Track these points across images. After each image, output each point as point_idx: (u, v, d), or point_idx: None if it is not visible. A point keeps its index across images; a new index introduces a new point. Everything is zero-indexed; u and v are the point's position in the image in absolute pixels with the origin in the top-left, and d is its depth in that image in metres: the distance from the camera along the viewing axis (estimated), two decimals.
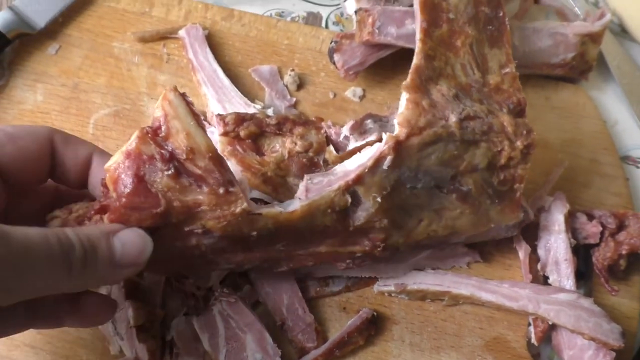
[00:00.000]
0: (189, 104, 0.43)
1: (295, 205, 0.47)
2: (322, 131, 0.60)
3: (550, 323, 0.57)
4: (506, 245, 0.62)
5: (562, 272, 0.59)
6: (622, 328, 0.55)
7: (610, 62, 0.73)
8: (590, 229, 0.60)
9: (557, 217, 0.59)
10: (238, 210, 0.44)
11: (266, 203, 0.57)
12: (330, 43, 0.66)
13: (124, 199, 0.41)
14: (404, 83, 0.50)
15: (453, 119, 0.50)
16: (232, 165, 0.57)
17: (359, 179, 0.48)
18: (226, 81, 0.65)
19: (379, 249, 0.51)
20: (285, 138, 0.59)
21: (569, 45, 0.66)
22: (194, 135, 0.42)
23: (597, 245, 0.60)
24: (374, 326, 0.57)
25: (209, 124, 0.63)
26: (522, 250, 0.60)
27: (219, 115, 0.58)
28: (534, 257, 0.60)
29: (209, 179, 0.43)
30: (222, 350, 0.53)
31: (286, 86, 0.68)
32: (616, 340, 0.54)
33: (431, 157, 0.50)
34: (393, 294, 0.60)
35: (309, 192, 0.49)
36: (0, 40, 0.65)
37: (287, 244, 0.50)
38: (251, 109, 0.63)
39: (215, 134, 0.61)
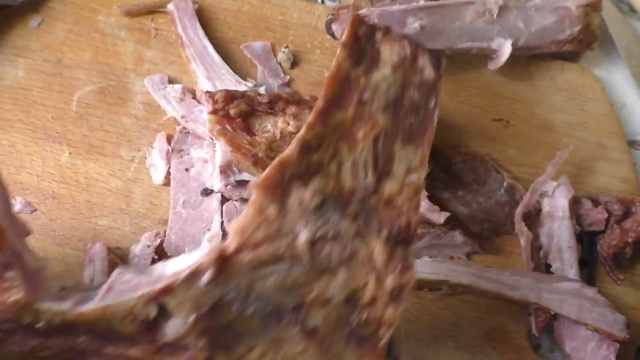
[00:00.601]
0: None
1: (87, 307, 0.40)
2: None
3: (552, 313, 0.54)
4: (507, 233, 0.60)
5: (565, 260, 0.56)
6: (626, 319, 0.53)
7: (619, 43, 0.70)
8: (596, 216, 0.57)
9: (562, 203, 0.57)
10: (11, 300, 0.38)
11: None
12: (327, 17, 0.63)
13: None
14: (253, 181, 0.39)
15: (303, 237, 0.39)
16: (221, 145, 0.55)
17: (167, 290, 0.39)
18: (217, 58, 0.62)
19: None
20: (277, 117, 0.57)
21: (574, 18, 0.63)
22: None
23: (603, 232, 0.58)
24: None
25: (199, 102, 0.61)
26: (524, 237, 0.57)
27: (207, 92, 0.55)
28: (536, 245, 0.58)
29: None
30: None
31: (280, 64, 0.65)
32: (621, 331, 0.53)
33: (268, 279, 0.40)
34: None
35: (111, 291, 0.41)
36: None
37: (90, 340, 0.41)
38: (242, 86, 0.61)
39: (204, 112, 0.59)
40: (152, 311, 0.39)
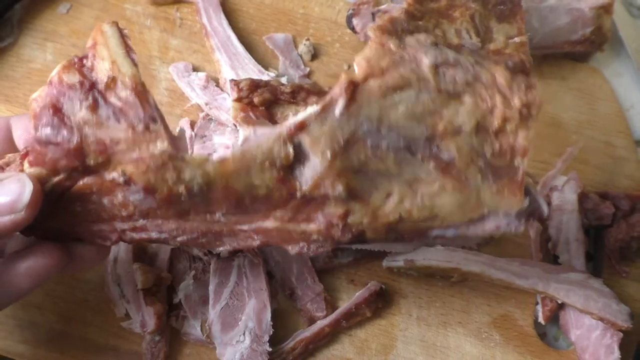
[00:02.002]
0: (123, 36, 0.40)
1: (227, 153, 0.40)
2: None
3: (559, 302, 0.56)
4: None
5: (572, 252, 0.59)
6: (630, 309, 0.55)
7: (629, 45, 0.72)
8: (603, 210, 0.59)
9: (570, 197, 0.59)
10: (157, 151, 0.38)
11: None
12: (348, 11, 0.65)
13: (38, 133, 0.38)
14: (371, 24, 0.40)
15: (426, 61, 0.39)
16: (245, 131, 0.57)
17: (303, 126, 0.39)
18: (240, 48, 0.64)
19: (337, 230, 0.41)
20: (299, 107, 0.58)
21: (586, 19, 0.65)
22: (119, 64, 0.38)
23: (609, 226, 0.60)
24: (382, 299, 0.57)
25: (222, 90, 0.63)
26: (533, 229, 0.60)
27: (233, 80, 0.57)
28: (544, 237, 0.60)
29: (128, 113, 0.38)
30: (222, 302, 0.53)
31: (300, 56, 0.67)
32: (625, 321, 0.54)
33: (398, 107, 0.39)
34: (402, 270, 0.59)
35: (247, 141, 0.40)
36: None
37: (226, 213, 0.42)
38: (265, 76, 0.62)
39: (228, 100, 0.61)
40: (290, 151, 0.39)
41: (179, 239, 0.43)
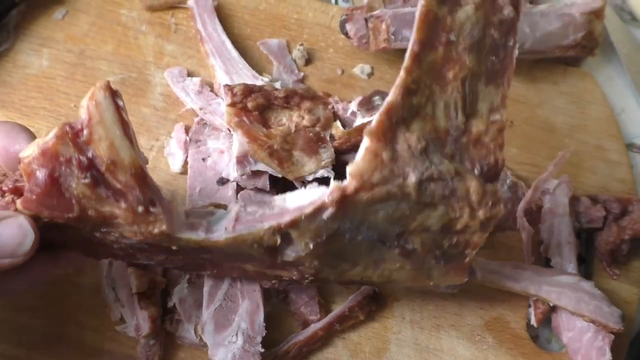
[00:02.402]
0: (119, 108, 0.39)
1: (220, 235, 0.45)
2: (330, 106, 0.60)
3: (551, 305, 0.57)
4: (509, 228, 0.62)
5: (564, 255, 0.59)
6: (621, 312, 0.56)
7: (620, 50, 0.73)
8: (594, 213, 0.60)
9: (562, 200, 0.60)
10: (156, 231, 0.41)
11: (272, 177, 0.57)
12: (341, 17, 0.66)
13: (34, 197, 0.38)
14: (367, 128, 0.41)
15: (412, 179, 0.43)
16: (238, 136, 0.57)
17: (293, 224, 0.43)
18: (234, 53, 0.65)
19: (308, 279, 0.50)
20: (292, 112, 0.59)
21: (578, 24, 0.66)
22: (117, 147, 0.39)
23: (600, 229, 0.60)
24: (375, 302, 0.58)
25: (216, 95, 0.63)
26: (525, 232, 0.60)
27: (227, 85, 0.58)
28: (536, 240, 0.60)
29: (128, 196, 0.40)
30: (216, 303, 0.53)
31: (294, 61, 0.68)
32: (616, 323, 0.55)
33: (378, 213, 0.44)
34: None
35: (239, 222, 0.45)
36: (6, 2, 0.64)
37: (212, 257, 0.48)
38: (259, 81, 0.63)
39: (222, 104, 0.61)
40: (278, 240, 0.44)
41: (165, 265, 0.50)
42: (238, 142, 0.58)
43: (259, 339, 0.53)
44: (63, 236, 0.43)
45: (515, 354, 0.58)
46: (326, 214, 0.42)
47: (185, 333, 0.55)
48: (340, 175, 0.55)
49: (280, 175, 0.57)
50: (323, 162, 0.57)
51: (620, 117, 0.70)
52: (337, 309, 0.57)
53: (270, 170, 0.57)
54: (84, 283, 0.57)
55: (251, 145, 0.57)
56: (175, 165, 0.62)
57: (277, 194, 0.59)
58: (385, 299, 0.59)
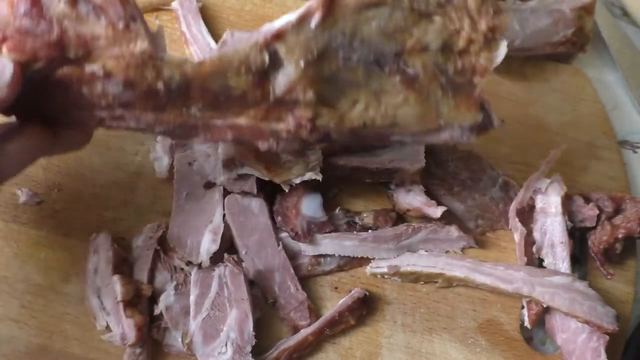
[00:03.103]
0: None
1: (204, 57, 0.43)
2: None
3: (544, 306, 0.56)
4: (501, 228, 0.61)
5: (557, 255, 0.58)
6: (616, 312, 0.55)
7: (611, 46, 0.72)
8: (587, 212, 0.59)
9: (554, 200, 0.59)
10: (137, 50, 0.40)
11: (259, 180, 0.56)
12: None
13: (17, 22, 0.39)
14: None
15: None
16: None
17: (280, 35, 0.41)
18: None
19: (305, 130, 0.45)
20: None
21: (567, 20, 0.65)
22: None
23: (594, 228, 0.59)
24: (365, 306, 0.57)
25: None
26: (518, 232, 0.59)
27: None
28: (529, 240, 0.59)
29: (108, 10, 0.39)
30: (203, 313, 0.52)
31: None
32: (610, 323, 0.54)
33: (371, 23, 0.41)
34: (386, 276, 0.59)
35: (225, 44, 0.45)
36: None
37: (202, 109, 0.44)
38: None
39: None
40: (265, 58, 0.41)
41: (156, 129, 0.45)
42: (225, 145, 0.57)
43: (249, 348, 0.52)
44: (52, 99, 0.43)
45: (509, 356, 0.57)
46: (314, 21, 0.40)
47: (173, 341, 0.54)
48: None
49: (267, 179, 0.56)
50: (311, 165, 0.56)
51: (612, 114, 0.70)
52: (327, 313, 0.56)
53: (256, 174, 0.56)
54: (68, 292, 0.56)
55: (238, 148, 0.56)
56: (162, 170, 0.61)
57: (265, 197, 0.58)
58: (376, 302, 0.58)
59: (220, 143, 0.57)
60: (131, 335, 0.52)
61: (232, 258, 0.53)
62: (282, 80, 0.43)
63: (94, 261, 0.55)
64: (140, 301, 0.54)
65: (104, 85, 0.43)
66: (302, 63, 0.42)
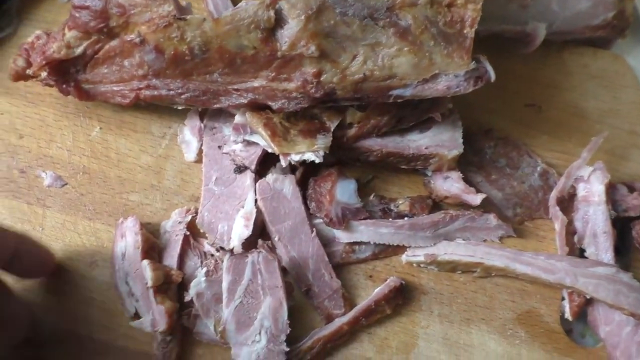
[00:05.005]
0: None
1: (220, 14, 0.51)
2: None
3: (587, 297, 0.54)
4: (540, 217, 0.60)
5: (600, 245, 0.56)
6: None
7: None
8: (631, 201, 0.57)
9: (597, 188, 0.57)
10: (164, 12, 0.50)
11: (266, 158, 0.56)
12: None
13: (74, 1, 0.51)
14: None
15: None
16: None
17: None
18: None
19: (312, 86, 0.50)
20: None
21: (608, 3, 0.63)
22: None
23: (638, 218, 0.57)
24: (402, 295, 0.55)
25: None
26: (559, 222, 0.57)
27: None
28: (570, 229, 0.57)
29: None
30: (236, 300, 0.51)
31: None
32: None
33: None
34: (422, 265, 0.57)
35: (237, 8, 0.50)
36: None
37: (222, 73, 0.52)
38: None
39: None
40: (272, 15, 0.49)
41: (183, 96, 0.54)
42: (239, 114, 0.56)
43: (284, 337, 0.50)
44: (98, 80, 0.54)
45: (549, 349, 0.55)
46: None
47: (204, 329, 0.52)
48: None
49: (270, 150, 0.54)
50: (315, 146, 0.53)
51: None
52: (363, 302, 0.54)
53: (262, 143, 0.54)
54: (94, 277, 0.54)
55: (250, 115, 0.54)
56: (190, 154, 0.59)
57: (297, 182, 0.57)
58: (412, 292, 0.56)
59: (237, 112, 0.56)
60: (162, 321, 0.50)
61: (267, 244, 0.51)
62: (287, 35, 0.49)
63: (121, 246, 0.53)
64: (170, 287, 0.52)
65: (140, 55, 0.52)
66: (303, 17, 0.48)
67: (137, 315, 0.52)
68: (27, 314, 0.48)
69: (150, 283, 0.50)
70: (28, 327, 0.47)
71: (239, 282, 0.51)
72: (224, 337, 0.50)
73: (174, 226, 0.56)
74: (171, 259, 0.54)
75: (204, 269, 0.53)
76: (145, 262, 0.51)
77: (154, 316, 0.50)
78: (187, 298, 0.52)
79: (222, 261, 0.53)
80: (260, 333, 0.50)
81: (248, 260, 0.52)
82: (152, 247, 0.54)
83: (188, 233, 0.55)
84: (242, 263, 0.52)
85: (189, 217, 0.56)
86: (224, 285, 0.51)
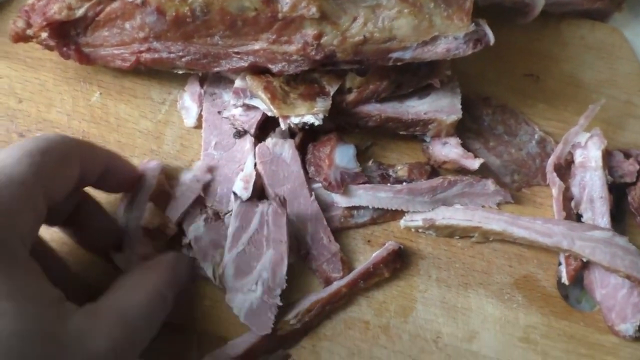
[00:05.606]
0: None
1: None
2: None
3: (583, 261, 0.55)
4: (537, 184, 0.60)
5: (596, 210, 0.57)
6: None
7: None
8: (627, 167, 0.58)
9: (594, 154, 0.57)
10: None
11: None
12: None
13: None
14: None
15: None
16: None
17: None
18: None
19: (312, 49, 0.51)
20: None
21: None
22: None
23: (634, 184, 0.58)
24: (400, 259, 0.55)
25: None
26: (556, 187, 0.58)
27: None
28: (567, 195, 0.58)
29: None
30: (239, 247, 0.51)
31: None
32: None
33: None
34: (420, 230, 0.57)
35: None
36: None
37: (223, 36, 0.52)
38: None
39: None
40: None
41: (184, 59, 0.54)
42: (239, 78, 0.56)
43: (279, 291, 0.50)
44: (99, 43, 0.54)
45: (546, 312, 0.55)
46: None
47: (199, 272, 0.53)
48: None
49: (269, 113, 0.54)
50: (315, 109, 0.53)
51: None
52: (361, 265, 0.54)
53: (262, 107, 0.55)
54: None
55: (250, 79, 0.55)
56: (190, 119, 0.59)
57: (297, 146, 0.57)
58: (410, 256, 0.57)
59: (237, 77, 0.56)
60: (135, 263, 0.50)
61: (279, 197, 0.52)
62: None
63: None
64: (161, 237, 0.52)
65: (142, 17, 0.52)
66: None
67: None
68: (115, 227, 0.52)
69: (143, 222, 0.50)
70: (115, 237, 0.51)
71: (245, 229, 0.51)
72: (222, 281, 0.51)
73: (192, 182, 0.55)
74: (175, 212, 0.53)
75: (204, 216, 0.53)
76: (150, 204, 0.51)
77: (131, 254, 0.50)
78: (184, 241, 0.53)
79: (222, 212, 0.53)
80: (257, 283, 0.50)
81: (258, 210, 0.52)
82: (162, 194, 0.54)
83: (202, 195, 0.55)
84: (252, 212, 0.52)
85: (208, 177, 0.56)
86: (230, 230, 0.51)
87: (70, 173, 0.43)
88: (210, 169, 0.56)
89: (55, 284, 0.39)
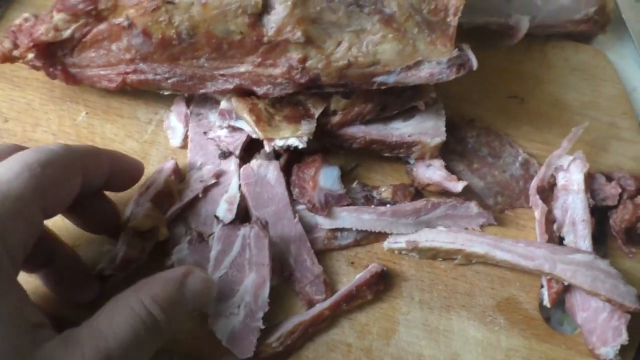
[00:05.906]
0: None
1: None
2: None
3: (565, 284, 0.55)
4: (520, 206, 0.60)
5: (578, 233, 0.57)
6: (637, 291, 0.54)
7: (631, 27, 0.71)
8: (609, 190, 0.58)
9: (577, 177, 0.58)
10: None
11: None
12: None
13: None
14: None
15: None
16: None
17: None
18: None
19: (297, 72, 0.51)
20: None
21: None
22: None
23: (615, 207, 0.58)
24: (383, 281, 0.55)
25: None
26: (539, 210, 0.58)
27: None
28: (550, 217, 0.58)
29: None
30: (222, 270, 0.51)
31: None
32: (632, 302, 0.53)
33: None
34: (404, 252, 0.57)
35: None
36: None
37: (209, 58, 0.52)
38: None
39: None
40: (259, 1, 0.49)
41: (170, 81, 0.54)
42: (225, 100, 0.56)
43: (261, 314, 0.50)
44: (86, 64, 0.55)
45: (528, 335, 0.56)
46: None
47: None
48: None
49: (254, 135, 0.54)
50: (299, 132, 0.54)
51: (632, 95, 0.69)
52: (344, 287, 0.55)
53: (247, 129, 0.55)
54: None
55: (236, 101, 0.55)
56: (176, 140, 0.59)
57: (281, 168, 0.57)
58: (393, 278, 0.57)
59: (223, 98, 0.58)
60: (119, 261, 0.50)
61: (261, 221, 0.52)
62: (273, 20, 0.50)
63: (150, 178, 0.54)
64: (150, 238, 0.52)
65: (128, 39, 0.53)
66: (289, 2, 0.49)
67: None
68: (117, 210, 0.53)
69: (132, 222, 0.50)
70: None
71: (227, 252, 0.52)
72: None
73: (194, 182, 0.56)
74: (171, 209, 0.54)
75: (188, 237, 0.54)
76: (149, 205, 0.51)
77: (119, 252, 0.50)
78: (167, 263, 0.53)
79: (206, 234, 0.54)
80: (239, 306, 0.50)
81: (240, 233, 0.52)
82: (168, 196, 0.54)
83: (201, 196, 0.55)
84: (234, 235, 0.52)
85: (212, 181, 0.56)
86: (212, 253, 0.52)
87: (71, 184, 0.43)
88: (217, 175, 0.57)
89: (61, 271, 0.44)
